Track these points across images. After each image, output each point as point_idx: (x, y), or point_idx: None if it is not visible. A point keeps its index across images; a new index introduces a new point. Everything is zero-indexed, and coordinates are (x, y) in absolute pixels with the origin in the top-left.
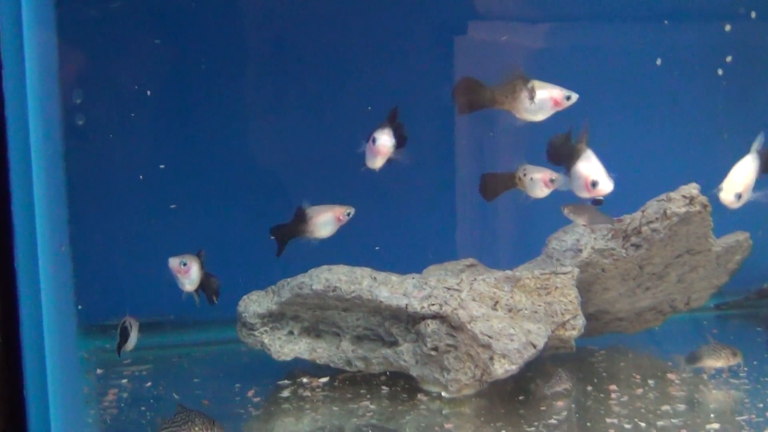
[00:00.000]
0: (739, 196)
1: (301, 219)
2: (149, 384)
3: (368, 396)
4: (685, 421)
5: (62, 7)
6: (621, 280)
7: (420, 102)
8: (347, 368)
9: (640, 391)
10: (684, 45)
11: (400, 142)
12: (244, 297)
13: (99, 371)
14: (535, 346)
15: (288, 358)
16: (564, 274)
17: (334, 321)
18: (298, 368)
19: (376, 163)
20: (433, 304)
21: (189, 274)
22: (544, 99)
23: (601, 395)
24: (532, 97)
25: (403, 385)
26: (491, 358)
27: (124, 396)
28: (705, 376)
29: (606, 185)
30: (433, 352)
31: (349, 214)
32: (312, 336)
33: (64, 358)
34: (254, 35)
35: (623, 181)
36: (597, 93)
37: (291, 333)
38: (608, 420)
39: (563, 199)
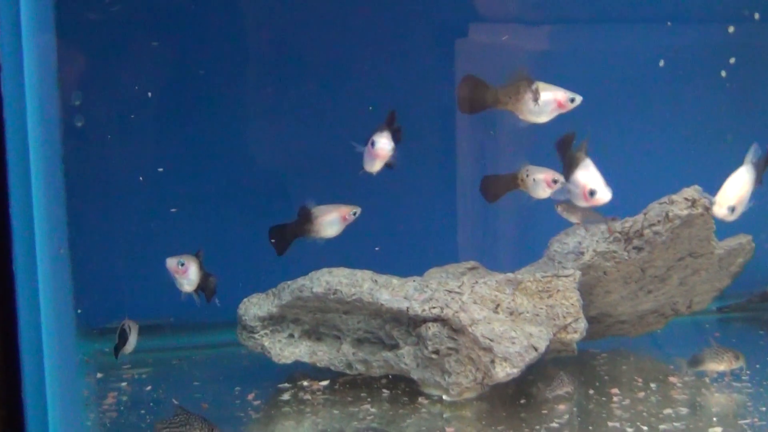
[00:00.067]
0: (732, 209)
1: (306, 218)
2: (149, 387)
3: (369, 399)
4: (688, 425)
5: (61, 9)
6: (623, 283)
7: (421, 103)
8: (348, 371)
9: (642, 394)
10: (687, 47)
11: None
12: (245, 300)
13: (99, 374)
14: (536, 349)
15: (288, 361)
16: (566, 276)
17: (334, 324)
18: (298, 371)
19: (375, 166)
20: (434, 307)
21: (187, 274)
22: (548, 101)
23: (603, 398)
24: (536, 99)
25: (403, 389)
26: (492, 362)
27: (124, 399)
28: (707, 380)
29: (604, 194)
30: (434, 355)
31: (354, 214)
32: (312, 339)
33: (63, 360)
34: (254, 36)
35: (625, 183)
36: (599, 95)
37: (291, 336)
38: (610, 423)
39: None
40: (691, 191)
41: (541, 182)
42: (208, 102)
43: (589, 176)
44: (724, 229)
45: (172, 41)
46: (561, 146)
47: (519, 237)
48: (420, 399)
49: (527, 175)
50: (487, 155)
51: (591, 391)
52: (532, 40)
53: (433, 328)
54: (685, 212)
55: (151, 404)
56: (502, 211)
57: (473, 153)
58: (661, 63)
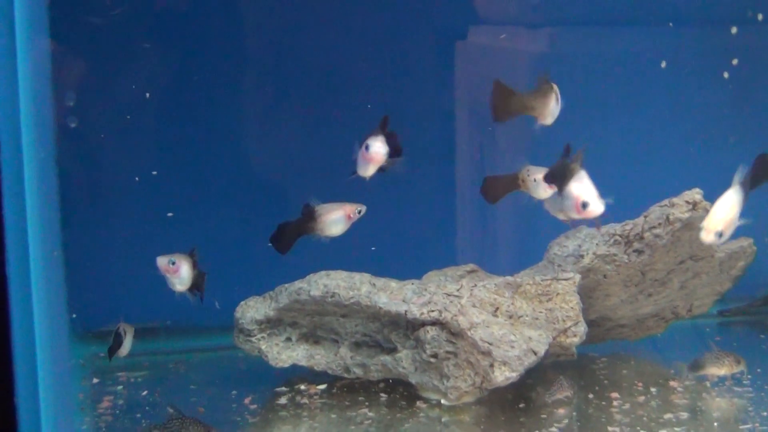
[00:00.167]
0: (720, 235)
1: (309, 217)
2: (145, 391)
3: (367, 403)
4: (688, 430)
5: (55, 10)
6: (623, 286)
7: (420, 105)
8: (345, 375)
9: (642, 398)
10: (689, 48)
11: (393, 150)
12: (242, 303)
13: (94, 378)
14: (536, 353)
15: (285, 365)
16: (565, 280)
17: (332, 327)
18: (295, 375)
19: (368, 171)
20: (432, 311)
21: (179, 273)
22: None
23: (603, 403)
24: (558, 100)
25: (402, 393)
26: (491, 366)
27: (120, 403)
28: (708, 384)
29: (596, 207)
30: (432, 359)
31: (360, 212)
32: (310, 342)
33: (56, 364)
34: (252, 38)
35: (626, 185)
36: (600, 96)
37: (289, 339)
38: (610, 428)
39: None
40: (692, 194)
41: (541, 182)
42: (206, 104)
43: (582, 188)
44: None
45: (168, 42)
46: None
47: (518, 240)
48: (418, 403)
49: (528, 176)
50: (486, 157)
51: (591, 396)
52: (532, 43)
53: (431, 332)
54: (686, 215)
55: (147, 408)
56: (501, 213)
57: (472, 155)
58: (663, 64)
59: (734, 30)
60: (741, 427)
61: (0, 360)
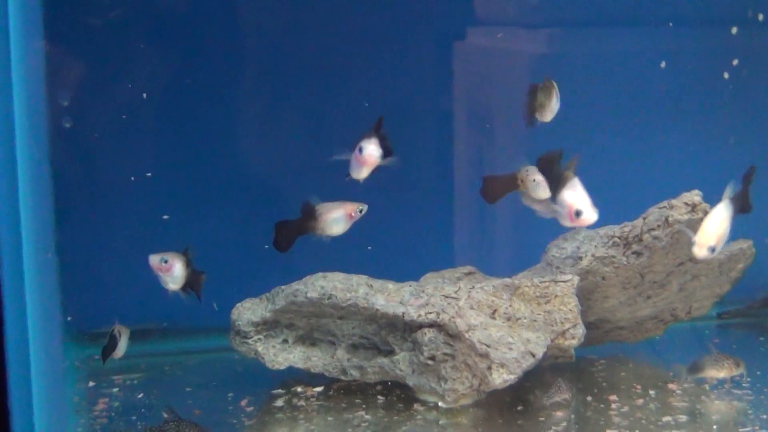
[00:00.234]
0: (713, 250)
1: (310, 216)
2: (141, 393)
3: (364, 406)
4: None
5: (50, 9)
6: (622, 288)
7: (418, 105)
8: (342, 377)
9: (640, 401)
10: (689, 48)
11: (386, 152)
12: (238, 304)
13: (90, 380)
14: (534, 356)
15: (282, 367)
16: (564, 282)
17: (329, 329)
18: (292, 377)
19: (362, 173)
20: (430, 313)
21: (171, 272)
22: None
23: (601, 406)
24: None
25: (399, 395)
26: (489, 368)
27: (115, 405)
28: (707, 387)
29: (590, 215)
30: (429, 362)
31: (361, 211)
32: (307, 344)
33: (50, 366)
34: (249, 37)
35: (626, 187)
36: (599, 97)
37: (285, 341)
38: (608, 431)
39: None
40: (691, 195)
41: (541, 182)
42: (203, 104)
43: (575, 196)
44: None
45: (163, 41)
46: (544, 163)
47: (516, 241)
48: (415, 406)
49: (527, 176)
50: (484, 157)
51: (589, 398)
52: (531, 43)
53: (429, 334)
54: (685, 217)
55: (143, 410)
56: (499, 215)
57: (470, 156)
58: (663, 64)
59: (734, 30)
60: (740, 430)
61: None
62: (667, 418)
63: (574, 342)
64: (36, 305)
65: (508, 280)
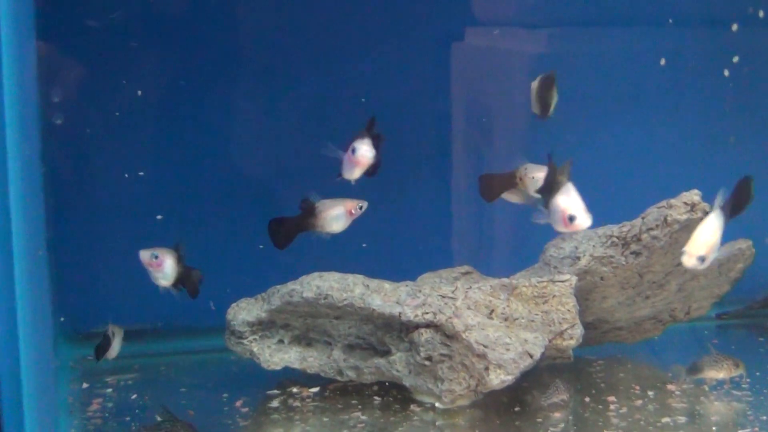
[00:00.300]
0: (702, 259)
1: (309, 212)
2: (135, 394)
3: (360, 407)
4: None
5: (41, 6)
6: (620, 288)
7: (416, 103)
8: (338, 378)
9: (639, 402)
10: (689, 45)
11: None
12: (233, 304)
13: (84, 381)
14: (531, 356)
15: (278, 368)
16: (562, 282)
17: (325, 329)
18: (288, 378)
19: (354, 174)
20: (427, 313)
21: (162, 267)
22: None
23: (600, 407)
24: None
25: (395, 396)
26: (486, 368)
27: (109, 406)
28: (706, 388)
29: (584, 220)
30: (426, 362)
31: (361, 208)
32: (302, 345)
33: (41, 366)
34: (244, 35)
35: (625, 186)
36: (599, 95)
37: (281, 341)
38: None
39: None
40: (690, 195)
41: (540, 180)
42: (199, 102)
43: (569, 201)
44: (724, 235)
45: (157, 39)
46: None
47: (514, 241)
48: (412, 406)
49: (526, 174)
50: (482, 156)
51: (587, 399)
52: (530, 43)
53: (425, 334)
54: (684, 216)
55: (137, 411)
56: (497, 214)
57: (468, 155)
58: (663, 62)
59: (735, 27)
60: (740, 431)
61: None
62: (665, 420)
63: (572, 342)
64: (26, 304)
65: (505, 280)
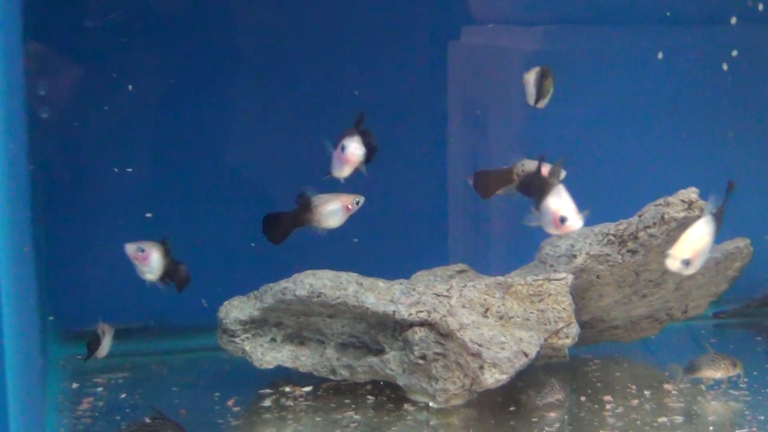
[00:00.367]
0: (687, 263)
1: (305, 207)
2: (125, 393)
3: (353, 406)
4: None
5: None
6: (616, 287)
7: (411, 100)
8: (331, 377)
9: (635, 402)
10: (687, 38)
11: (369, 149)
12: (225, 302)
13: (74, 379)
14: (527, 355)
15: (270, 366)
16: (557, 280)
17: (318, 328)
18: (280, 377)
19: (344, 172)
20: (421, 311)
21: (148, 261)
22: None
23: (596, 406)
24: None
25: (389, 395)
26: (481, 367)
27: (99, 405)
28: (703, 387)
29: (575, 221)
30: (420, 361)
31: (358, 203)
32: (295, 343)
33: (27, 365)
34: (236, 32)
35: (620, 183)
36: (594, 90)
37: (273, 340)
38: None
39: None
40: (688, 193)
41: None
42: (190, 98)
43: (560, 203)
44: (721, 233)
45: (147, 34)
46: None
47: (509, 239)
48: (406, 406)
49: (523, 170)
50: (478, 154)
51: (583, 399)
52: (527, 41)
53: (419, 333)
54: (681, 214)
55: (128, 410)
56: (492, 212)
57: (463, 152)
58: (660, 55)
59: (734, 20)
60: (737, 431)
61: None
62: (662, 419)
63: (568, 341)
64: (11, 301)
65: (500, 279)
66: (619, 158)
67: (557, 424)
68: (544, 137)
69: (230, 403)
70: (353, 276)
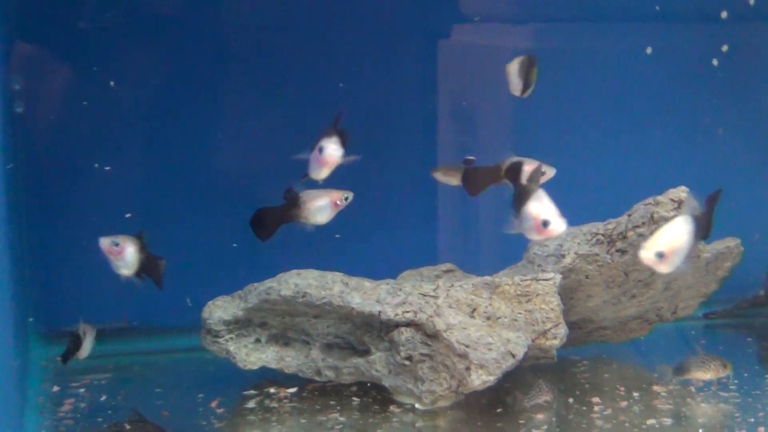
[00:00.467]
0: (661, 256)
1: (293, 203)
2: (107, 394)
3: (338, 407)
4: None
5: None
6: (605, 287)
7: (400, 98)
8: (317, 378)
9: (624, 403)
10: (677, 33)
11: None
12: (209, 302)
13: (56, 380)
14: (514, 356)
15: (254, 367)
16: (546, 280)
17: (303, 328)
18: (265, 378)
19: (322, 173)
20: (407, 311)
21: (123, 255)
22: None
23: (584, 408)
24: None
25: (375, 396)
26: (468, 369)
27: (81, 406)
28: (693, 389)
29: (558, 225)
30: (406, 362)
31: (346, 199)
32: (280, 344)
33: (3, 366)
34: (226, 31)
35: (609, 182)
36: (584, 87)
37: (258, 341)
38: None
39: None
40: (677, 192)
41: (527, 173)
42: (174, 97)
43: (542, 207)
44: (712, 233)
45: (131, 30)
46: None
47: (497, 239)
48: (392, 407)
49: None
50: (466, 151)
51: (571, 400)
52: (517, 39)
53: (406, 334)
54: (671, 214)
55: (110, 412)
56: (479, 211)
57: (451, 150)
58: (648, 50)
59: (724, 14)
60: None
61: None
62: (651, 421)
63: (556, 342)
64: None
65: (488, 279)
66: (607, 156)
67: (545, 426)
68: (532, 135)
69: (214, 404)
70: (339, 276)
